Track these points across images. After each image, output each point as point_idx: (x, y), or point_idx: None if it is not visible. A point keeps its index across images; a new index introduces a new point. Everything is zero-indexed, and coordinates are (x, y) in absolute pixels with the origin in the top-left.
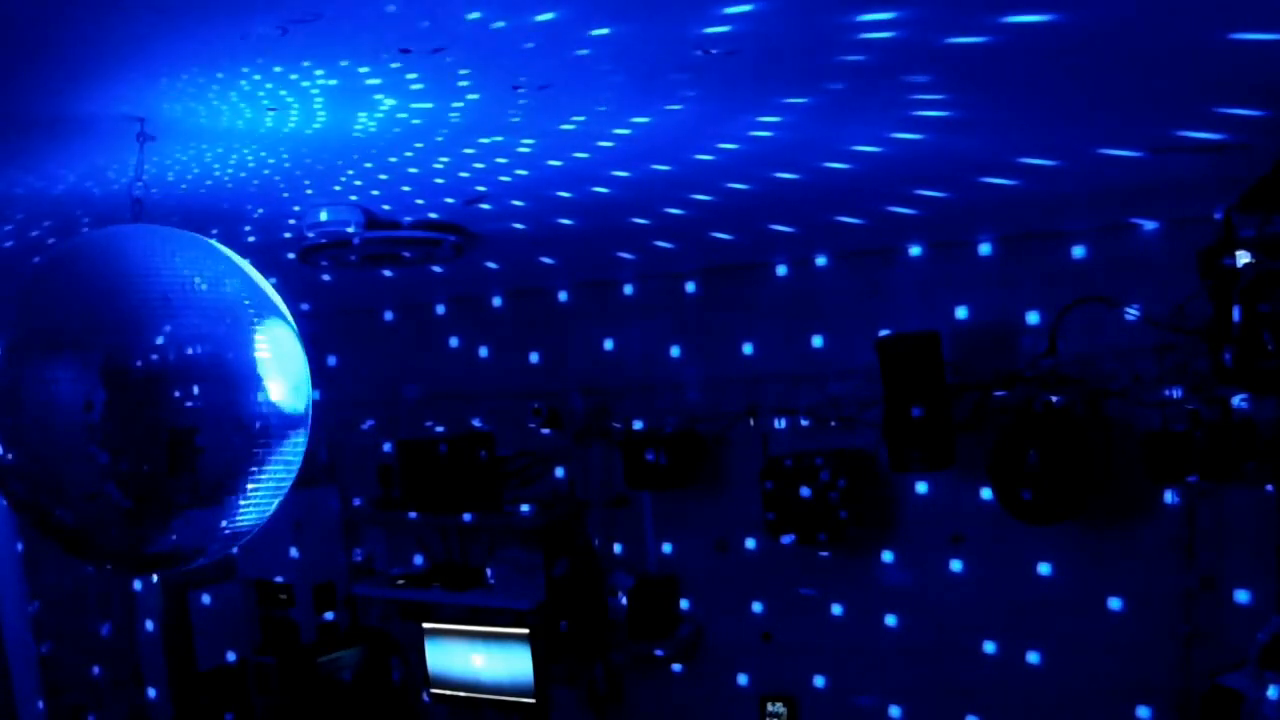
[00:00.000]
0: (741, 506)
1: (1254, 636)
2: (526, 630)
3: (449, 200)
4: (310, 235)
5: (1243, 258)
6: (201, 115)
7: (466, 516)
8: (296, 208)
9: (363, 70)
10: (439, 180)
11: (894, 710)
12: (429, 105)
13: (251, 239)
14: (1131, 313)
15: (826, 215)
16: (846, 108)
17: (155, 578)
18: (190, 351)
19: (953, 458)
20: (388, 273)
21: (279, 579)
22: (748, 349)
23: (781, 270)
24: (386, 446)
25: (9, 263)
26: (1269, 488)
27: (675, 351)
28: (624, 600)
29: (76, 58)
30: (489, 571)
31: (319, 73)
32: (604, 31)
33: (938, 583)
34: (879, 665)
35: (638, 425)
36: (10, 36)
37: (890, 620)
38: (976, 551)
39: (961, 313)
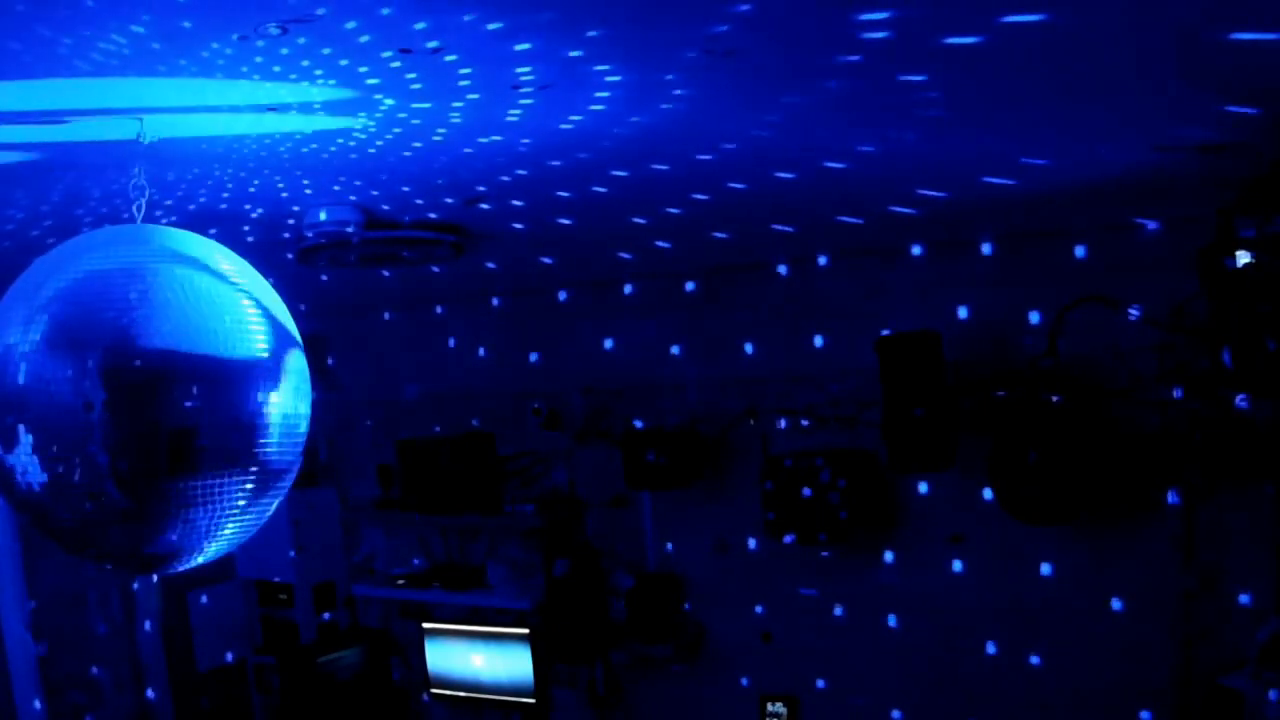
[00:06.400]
0: (742, 506)
1: (1254, 636)
2: (526, 630)
3: (449, 200)
4: (309, 235)
5: (1243, 258)
6: (201, 115)
7: (466, 516)
8: (296, 208)
9: (362, 70)
10: (439, 180)
11: (894, 711)
12: (428, 105)
13: (251, 239)
14: (1132, 313)
15: (826, 215)
16: (846, 107)
17: (155, 578)
18: (190, 352)
19: (953, 458)
20: (387, 273)
21: (278, 579)
22: (748, 349)
23: (781, 270)
24: (386, 447)
25: (9, 263)
26: (1269, 488)
27: (675, 351)
28: (624, 600)
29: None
30: (489, 571)
31: (318, 72)
32: (597, 33)
33: (938, 583)
34: (879, 665)
35: (638, 425)
36: (9, 36)
37: (891, 620)
38: (977, 552)
39: (961, 313)
